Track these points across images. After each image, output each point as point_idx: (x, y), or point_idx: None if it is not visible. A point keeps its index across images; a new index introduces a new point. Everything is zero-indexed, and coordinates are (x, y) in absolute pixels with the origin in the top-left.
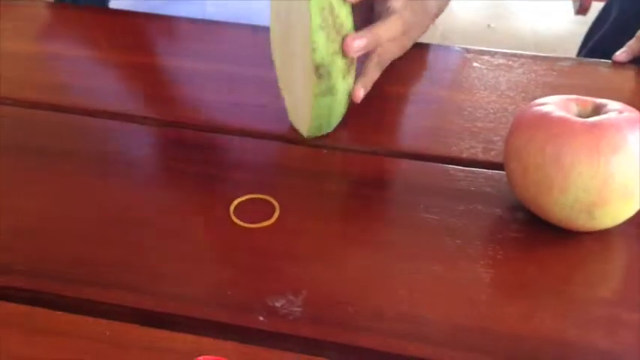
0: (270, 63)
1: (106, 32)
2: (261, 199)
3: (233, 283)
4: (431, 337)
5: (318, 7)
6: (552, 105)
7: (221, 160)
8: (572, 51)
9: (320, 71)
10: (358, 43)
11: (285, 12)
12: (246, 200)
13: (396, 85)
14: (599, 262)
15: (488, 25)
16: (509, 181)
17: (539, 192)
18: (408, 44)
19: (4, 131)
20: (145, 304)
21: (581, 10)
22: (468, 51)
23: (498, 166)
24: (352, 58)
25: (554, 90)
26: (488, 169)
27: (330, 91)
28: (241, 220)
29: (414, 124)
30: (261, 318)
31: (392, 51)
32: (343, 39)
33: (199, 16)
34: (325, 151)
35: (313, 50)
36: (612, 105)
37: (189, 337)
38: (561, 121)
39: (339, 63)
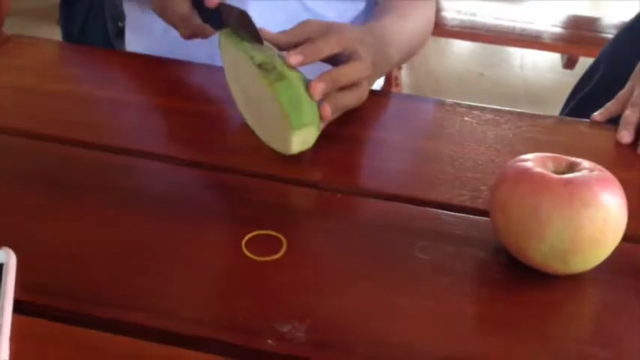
0: None
1: (124, 74)
2: (270, 234)
3: (244, 309)
4: None
5: (233, 41)
6: (532, 162)
7: (234, 198)
8: (559, 101)
9: (264, 67)
10: (320, 87)
11: (232, 63)
12: (257, 235)
13: (394, 134)
14: (573, 303)
15: (481, 74)
16: (494, 227)
17: (520, 239)
18: (367, 91)
19: (33, 165)
20: (166, 325)
21: (569, 63)
22: (459, 105)
23: (484, 213)
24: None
25: (537, 145)
26: (475, 215)
27: (281, 76)
28: (252, 253)
29: (410, 171)
30: (269, 341)
31: (349, 100)
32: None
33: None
34: (329, 193)
35: (252, 58)
36: (585, 164)
37: (205, 357)
38: (540, 177)
39: (280, 61)
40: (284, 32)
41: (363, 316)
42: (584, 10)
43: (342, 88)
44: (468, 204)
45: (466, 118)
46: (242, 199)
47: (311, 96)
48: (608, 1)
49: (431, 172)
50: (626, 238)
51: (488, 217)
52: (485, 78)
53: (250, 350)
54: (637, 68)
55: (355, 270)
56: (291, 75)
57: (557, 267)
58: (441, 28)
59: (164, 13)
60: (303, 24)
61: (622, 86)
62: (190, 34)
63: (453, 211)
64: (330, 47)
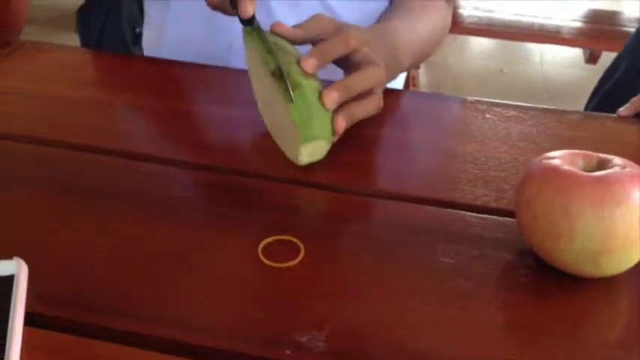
0: None
1: (139, 79)
2: (287, 240)
3: (261, 318)
4: None
5: (254, 40)
6: (560, 159)
7: (251, 202)
8: (581, 97)
9: (277, 74)
10: (333, 97)
11: (252, 62)
12: (274, 241)
13: (414, 134)
14: (605, 308)
15: (501, 70)
16: (520, 228)
17: (548, 240)
18: (382, 98)
19: (46, 172)
20: (180, 336)
21: (591, 59)
22: (480, 102)
23: (509, 214)
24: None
25: (563, 142)
26: (500, 216)
27: (295, 85)
28: (269, 260)
29: (431, 172)
30: (287, 352)
31: (365, 110)
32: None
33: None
34: (347, 196)
35: (267, 64)
36: (616, 160)
37: None
38: (569, 175)
39: (295, 67)
40: (299, 26)
41: (384, 323)
42: (604, 5)
43: (356, 97)
44: (492, 204)
45: (488, 116)
46: (259, 204)
47: (324, 106)
48: None
49: (452, 172)
50: None
51: (514, 217)
52: (505, 75)
53: None
54: None
55: (375, 275)
56: (306, 84)
57: (588, 269)
58: (459, 26)
59: None
60: (315, 19)
61: None
62: (215, 4)
63: (477, 212)
64: (339, 48)
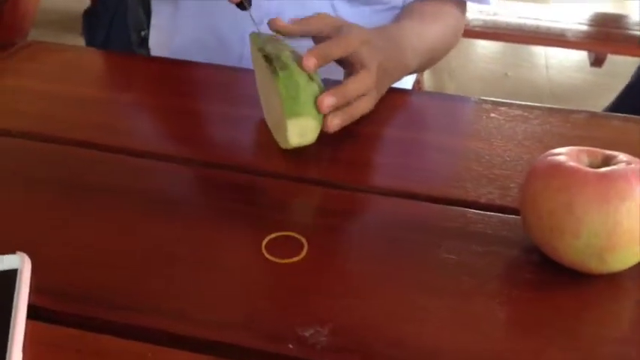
0: None
1: (144, 77)
2: (291, 236)
3: (265, 313)
4: None
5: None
6: (565, 155)
7: (254, 199)
8: (586, 99)
9: (270, 56)
10: (328, 102)
11: (256, 65)
12: (277, 237)
13: (420, 133)
14: (610, 305)
15: (506, 74)
16: (525, 225)
17: (553, 236)
18: (378, 96)
19: (53, 168)
20: (184, 330)
21: (597, 62)
22: (485, 102)
23: (514, 211)
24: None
25: (568, 140)
26: (504, 213)
27: (283, 66)
28: (272, 256)
29: (435, 169)
30: (290, 346)
31: (362, 107)
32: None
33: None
34: (351, 193)
35: (260, 49)
36: (621, 157)
37: None
38: (574, 171)
39: (287, 53)
40: (295, 21)
41: (387, 319)
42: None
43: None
44: (496, 202)
45: (493, 115)
46: (262, 201)
47: (318, 108)
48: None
49: (457, 170)
50: None
51: (518, 215)
52: (510, 78)
53: (270, 355)
54: None
55: (379, 271)
56: (294, 66)
57: (593, 265)
58: (463, 29)
59: None
60: (317, 17)
61: None
62: None
63: (481, 210)
64: (340, 51)
